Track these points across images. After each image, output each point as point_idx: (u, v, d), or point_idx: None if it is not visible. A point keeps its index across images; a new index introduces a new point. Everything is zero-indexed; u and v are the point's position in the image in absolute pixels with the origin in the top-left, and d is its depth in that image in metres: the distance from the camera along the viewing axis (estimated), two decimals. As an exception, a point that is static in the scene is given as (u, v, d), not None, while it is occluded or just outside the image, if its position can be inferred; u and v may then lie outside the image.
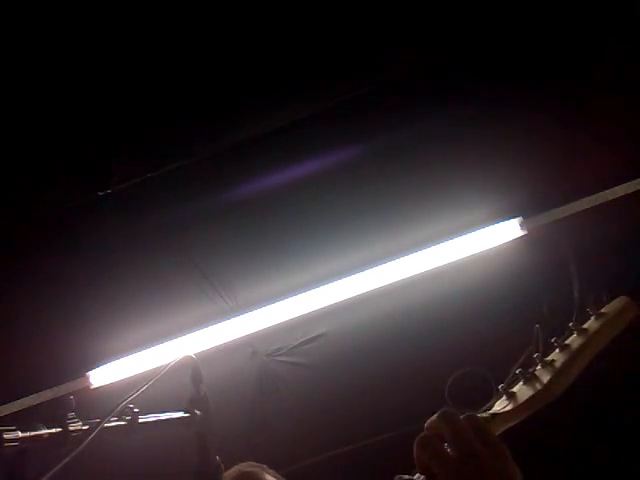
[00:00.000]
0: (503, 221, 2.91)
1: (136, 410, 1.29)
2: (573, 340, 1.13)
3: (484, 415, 1.07)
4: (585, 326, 1.14)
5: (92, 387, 3.09)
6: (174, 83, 2.83)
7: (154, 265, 3.11)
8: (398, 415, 2.89)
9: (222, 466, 1.50)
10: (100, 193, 3.01)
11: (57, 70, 2.69)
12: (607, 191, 2.88)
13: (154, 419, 1.37)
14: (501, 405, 1.09)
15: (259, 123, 2.98)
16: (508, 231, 2.92)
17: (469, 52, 2.89)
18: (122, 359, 3.07)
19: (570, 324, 1.15)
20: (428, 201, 2.98)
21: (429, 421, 0.99)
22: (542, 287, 2.81)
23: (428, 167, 2.97)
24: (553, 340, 1.14)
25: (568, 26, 2.85)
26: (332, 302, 3.01)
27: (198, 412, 1.46)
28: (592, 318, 1.15)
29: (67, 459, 1.08)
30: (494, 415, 1.07)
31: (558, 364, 1.10)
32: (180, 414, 1.44)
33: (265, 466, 1.99)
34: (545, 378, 1.09)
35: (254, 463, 2.00)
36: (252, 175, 3.06)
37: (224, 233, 3.09)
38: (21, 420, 1.12)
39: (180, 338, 3.04)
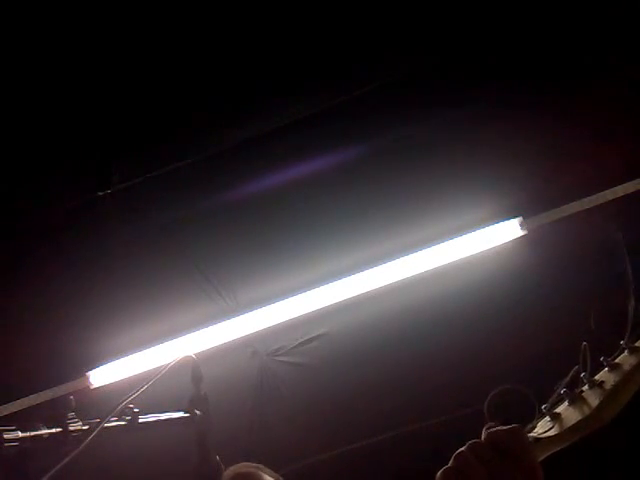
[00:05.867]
0: (503, 221, 2.91)
1: (136, 410, 1.30)
2: (624, 359, 1.01)
3: None
4: (639, 344, 1.02)
5: (92, 387, 3.09)
6: (174, 84, 2.83)
7: (154, 265, 3.11)
8: (398, 415, 2.89)
9: (222, 466, 1.50)
10: (100, 193, 3.01)
11: (58, 71, 2.69)
12: (607, 191, 2.88)
13: (154, 419, 1.37)
14: (544, 427, 1.01)
15: (259, 123, 2.98)
16: (508, 231, 2.91)
17: (469, 52, 2.89)
18: (122, 359, 3.07)
19: (621, 342, 1.03)
20: (428, 201, 2.98)
21: (457, 453, 0.94)
22: (543, 287, 2.82)
23: (428, 167, 2.97)
24: (602, 358, 1.03)
25: (568, 26, 2.85)
26: (332, 302, 3.01)
27: (198, 412, 1.46)
28: None
29: (67, 459, 1.08)
30: (537, 440, 1.00)
31: (608, 386, 0.99)
32: (180, 414, 1.45)
33: (261, 466, 1.98)
34: (594, 401, 0.99)
35: (249, 464, 1.99)
36: (252, 175, 3.06)
37: (224, 233, 3.09)
38: (21, 420, 1.12)
39: (180, 338, 3.04)
